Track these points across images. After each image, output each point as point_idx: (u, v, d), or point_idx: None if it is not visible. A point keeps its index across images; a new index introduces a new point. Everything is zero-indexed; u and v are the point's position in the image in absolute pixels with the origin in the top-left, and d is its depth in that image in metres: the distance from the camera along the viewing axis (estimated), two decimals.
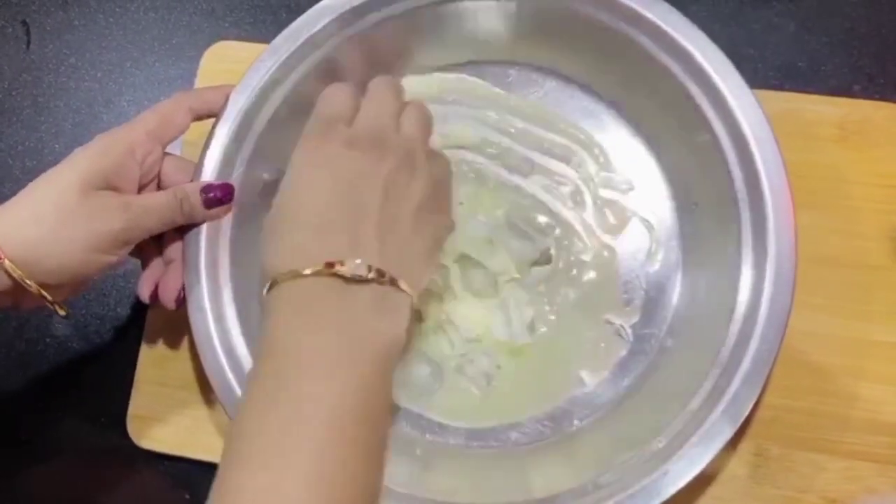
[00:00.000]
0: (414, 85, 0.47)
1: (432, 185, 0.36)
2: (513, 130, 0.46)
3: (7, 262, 0.35)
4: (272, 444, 0.28)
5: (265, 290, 0.33)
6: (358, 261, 0.32)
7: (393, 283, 0.33)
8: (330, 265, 0.31)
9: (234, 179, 0.42)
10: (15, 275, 0.35)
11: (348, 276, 0.31)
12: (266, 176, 0.44)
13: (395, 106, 0.37)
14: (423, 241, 0.35)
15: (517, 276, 0.44)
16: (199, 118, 0.42)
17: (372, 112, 0.37)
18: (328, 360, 0.30)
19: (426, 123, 0.38)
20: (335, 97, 0.37)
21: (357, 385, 0.30)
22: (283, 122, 0.44)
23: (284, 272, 0.32)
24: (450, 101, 0.47)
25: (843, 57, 0.47)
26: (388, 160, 0.35)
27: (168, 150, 0.42)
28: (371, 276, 0.32)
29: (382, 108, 0.37)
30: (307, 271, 0.31)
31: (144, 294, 0.41)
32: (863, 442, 0.41)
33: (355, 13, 0.44)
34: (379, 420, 0.31)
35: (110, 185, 0.38)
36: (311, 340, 0.31)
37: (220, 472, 0.29)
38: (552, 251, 0.44)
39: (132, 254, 0.42)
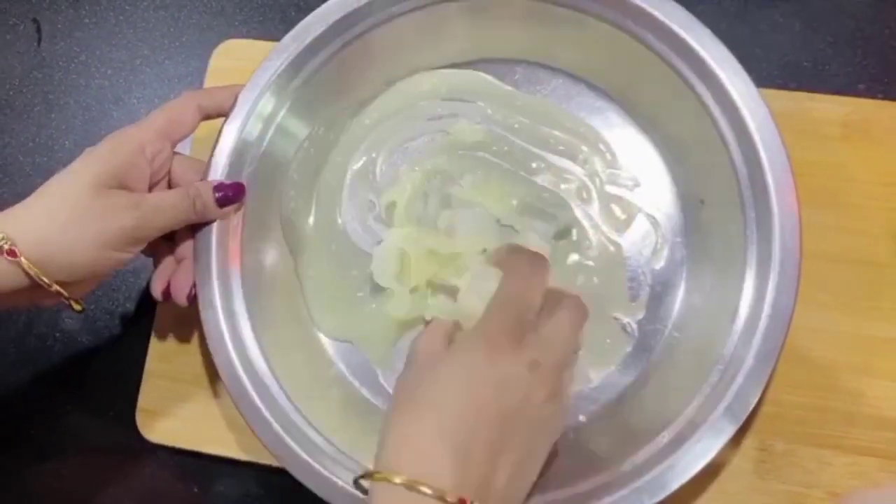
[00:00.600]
0: (423, 82, 0.48)
1: (560, 404, 0.33)
2: (517, 126, 0.46)
3: (24, 261, 0.35)
4: None
5: (369, 475, 0.30)
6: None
7: None
8: (455, 499, 0.29)
9: (244, 178, 0.43)
10: (32, 273, 0.36)
11: None
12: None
13: (578, 334, 0.35)
14: (532, 477, 0.33)
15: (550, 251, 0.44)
16: (208, 117, 0.43)
17: (562, 335, 0.34)
18: None
19: (579, 325, 0.35)
20: (532, 280, 0.34)
21: None
22: (291, 122, 0.45)
23: (402, 475, 0.29)
24: (457, 98, 0.47)
25: (848, 56, 0.48)
26: (541, 391, 0.32)
27: (177, 148, 0.42)
28: None
29: (572, 332, 0.34)
30: (426, 490, 0.29)
31: (157, 291, 0.42)
32: (868, 438, 0.41)
33: (363, 12, 0.44)
34: None
35: (121, 184, 0.38)
36: None
37: None
38: (572, 223, 0.44)
39: (145, 252, 0.43)
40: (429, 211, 0.45)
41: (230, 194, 0.41)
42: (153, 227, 0.39)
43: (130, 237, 0.38)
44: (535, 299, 0.34)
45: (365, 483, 0.31)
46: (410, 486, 0.29)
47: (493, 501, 0.30)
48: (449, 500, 0.28)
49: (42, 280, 0.36)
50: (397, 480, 0.29)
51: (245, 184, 0.42)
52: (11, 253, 0.35)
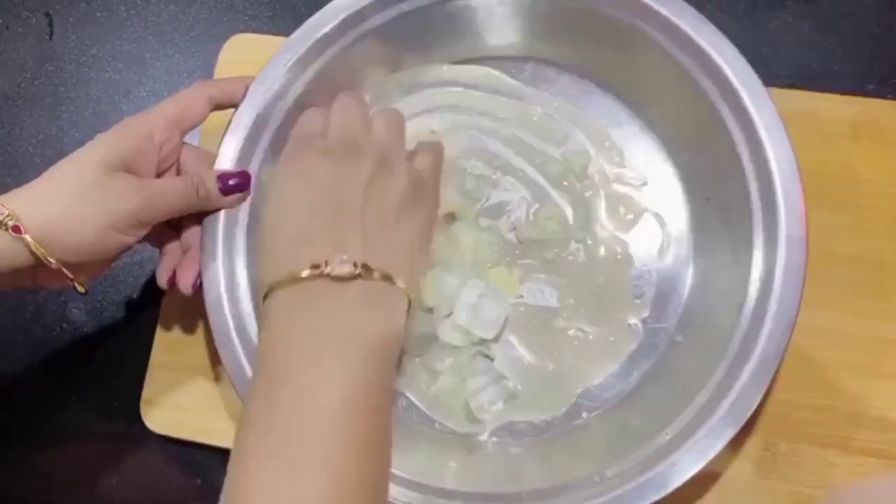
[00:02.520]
0: (431, 76, 0.48)
1: (412, 182, 0.37)
2: (511, 137, 0.47)
3: (29, 238, 0.36)
4: (278, 442, 0.29)
5: (261, 302, 0.34)
6: (341, 258, 0.33)
7: (386, 278, 0.33)
8: (315, 267, 0.33)
9: (252, 169, 0.43)
10: (38, 251, 0.36)
11: (334, 275, 0.32)
12: None
13: (362, 114, 0.39)
14: (409, 235, 0.36)
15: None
16: (218, 108, 0.43)
17: (341, 122, 0.39)
18: (320, 353, 0.31)
19: (397, 125, 0.40)
20: (308, 117, 0.40)
21: (350, 375, 0.31)
22: (300, 115, 0.45)
23: (276, 281, 0.34)
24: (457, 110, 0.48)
25: (856, 57, 0.48)
26: (363, 164, 0.36)
27: (186, 139, 0.43)
28: (358, 272, 0.33)
29: (350, 117, 0.39)
30: (293, 276, 0.33)
31: (162, 280, 0.42)
32: (873, 439, 0.41)
33: (373, 8, 0.44)
34: (379, 410, 0.32)
35: (128, 169, 0.38)
36: (301, 338, 0.32)
37: (229, 479, 0.29)
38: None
39: (151, 242, 0.43)
40: None
41: (235, 182, 0.41)
42: (157, 211, 0.39)
43: (134, 220, 0.38)
44: (324, 118, 0.40)
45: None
46: (308, 277, 0.33)
47: (359, 255, 0.33)
48: (307, 274, 0.33)
49: (46, 259, 0.36)
50: (295, 276, 0.33)
51: (251, 173, 0.42)
52: (16, 229, 0.35)
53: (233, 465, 0.30)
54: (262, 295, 0.34)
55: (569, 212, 0.45)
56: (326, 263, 0.33)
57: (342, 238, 0.34)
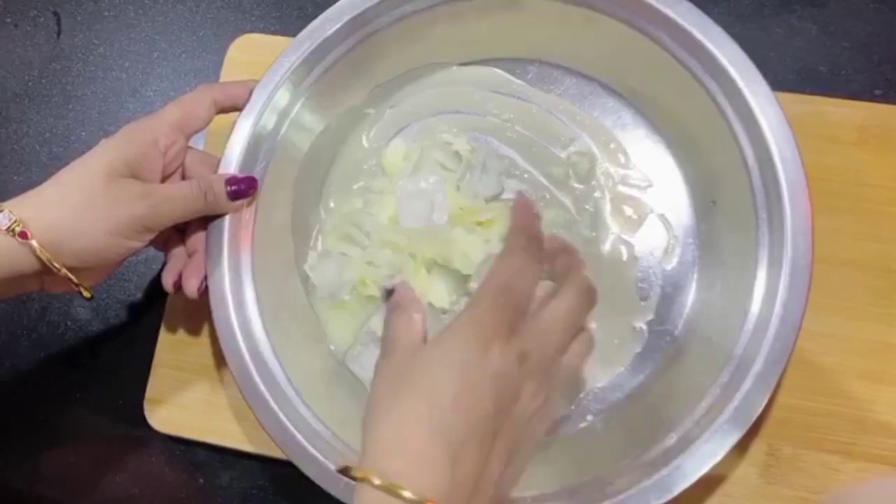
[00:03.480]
0: (438, 78, 0.48)
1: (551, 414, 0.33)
2: (516, 138, 0.47)
3: (35, 243, 0.36)
4: None
5: (355, 475, 0.29)
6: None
7: None
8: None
9: (257, 172, 0.43)
10: (43, 257, 0.36)
11: None
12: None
13: (579, 323, 0.33)
14: (516, 479, 0.32)
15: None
16: (223, 111, 0.43)
17: (560, 324, 0.32)
18: None
19: (587, 353, 0.34)
20: (518, 276, 0.32)
21: None
22: (305, 117, 0.45)
23: (386, 480, 0.28)
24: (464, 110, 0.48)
25: (863, 61, 0.47)
26: (539, 395, 0.31)
27: (191, 142, 0.43)
28: None
29: (568, 323, 0.33)
30: (407, 494, 0.27)
31: (168, 283, 0.42)
32: (878, 445, 0.40)
33: (379, 9, 0.44)
34: None
35: (134, 174, 0.39)
36: None
37: None
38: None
39: (156, 246, 0.43)
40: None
41: (242, 188, 0.41)
42: (163, 217, 0.39)
43: (141, 225, 0.38)
44: (529, 286, 0.33)
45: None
46: (388, 490, 0.27)
47: (481, 499, 0.29)
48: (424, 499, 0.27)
49: (53, 265, 0.36)
50: (376, 482, 0.28)
51: (257, 178, 0.42)
52: (23, 235, 0.36)
53: None
54: (367, 472, 0.28)
55: (574, 213, 0.45)
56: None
57: (479, 486, 0.29)
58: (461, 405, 0.29)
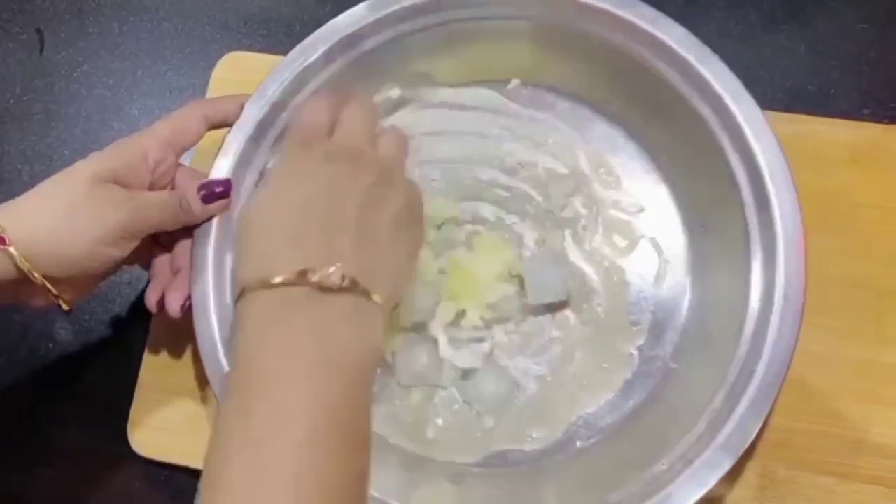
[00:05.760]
0: (427, 96, 0.48)
1: (408, 202, 0.36)
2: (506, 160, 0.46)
3: (12, 249, 0.35)
4: (250, 457, 0.28)
5: (236, 300, 0.32)
6: (332, 269, 0.31)
7: (366, 294, 0.32)
8: (303, 273, 0.31)
9: (246, 188, 0.42)
10: (22, 266, 0.35)
11: (322, 285, 0.31)
12: None
13: (371, 125, 0.38)
14: (398, 255, 0.35)
15: None
16: (213, 127, 0.42)
17: (350, 128, 0.37)
18: (300, 368, 0.30)
19: (403, 147, 0.39)
20: (314, 111, 0.37)
21: (330, 393, 0.30)
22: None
23: (255, 281, 0.32)
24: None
25: (852, 80, 0.48)
26: (365, 175, 0.35)
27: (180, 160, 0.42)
28: (345, 284, 0.31)
29: (360, 125, 0.37)
30: (278, 279, 0.31)
31: (151, 302, 0.41)
32: (873, 466, 0.40)
33: (371, 29, 0.44)
34: (357, 430, 0.31)
35: (119, 182, 0.38)
36: (281, 351, 0.30)
37: (201, 491, 0.29)
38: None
39: (141, 264, 0.43)
40: None
41: (215, 190, 0.41)
42: (143, 222, 0.38)
43: (123, 231, 0.37)
44: (324, 120, 0.38)
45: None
46: (291, 282, 0.31)
47: (349, 267, 0.32)
48: (293, 278, 0.31)
49: (32, 274, 0.36)
50: (278, 280, 0.31)
51: (231, 179, 0.42)
52: (1, 241, 0.35)
53: (204, 478, 0.29)
54: (239, 291, 0.32)
55: (566, 237, 0.45)
56: (315, 271, 0.31)
57: (334, 247, 0.33)
58: (291, 208, 0.34)
